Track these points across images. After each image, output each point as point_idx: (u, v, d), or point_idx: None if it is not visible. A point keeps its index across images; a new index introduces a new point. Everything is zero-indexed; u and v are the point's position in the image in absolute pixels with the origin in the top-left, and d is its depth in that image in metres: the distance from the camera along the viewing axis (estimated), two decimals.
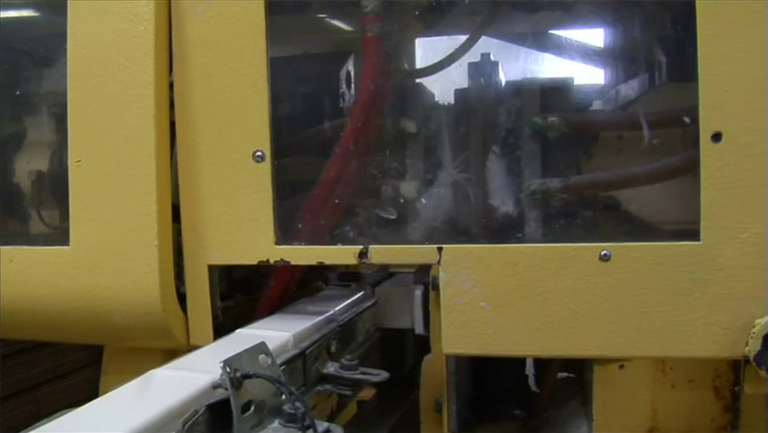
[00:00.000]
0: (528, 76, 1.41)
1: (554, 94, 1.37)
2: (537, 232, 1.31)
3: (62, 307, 1.35)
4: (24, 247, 1.38)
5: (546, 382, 1.51)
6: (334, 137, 1.36)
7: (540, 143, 1.33)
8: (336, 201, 1.35)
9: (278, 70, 1.31)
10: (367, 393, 1.69)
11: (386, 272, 1.64)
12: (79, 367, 2.27)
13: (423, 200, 1.37)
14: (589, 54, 1.45)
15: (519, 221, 1.32)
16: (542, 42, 1.44)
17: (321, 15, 1.53)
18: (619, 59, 1.43)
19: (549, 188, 1.30)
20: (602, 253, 1.18)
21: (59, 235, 1.36)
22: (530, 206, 1.32)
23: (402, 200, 1.37)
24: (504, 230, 1.34)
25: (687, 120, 1.21)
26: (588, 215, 1.31)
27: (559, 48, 1.45)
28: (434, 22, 1.47)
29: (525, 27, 1.43)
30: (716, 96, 1.14)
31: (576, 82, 1.41)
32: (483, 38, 1.43)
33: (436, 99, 1.46)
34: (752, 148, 1.13)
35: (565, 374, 1.58)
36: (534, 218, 1.31)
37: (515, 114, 1.36)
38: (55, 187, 1.44)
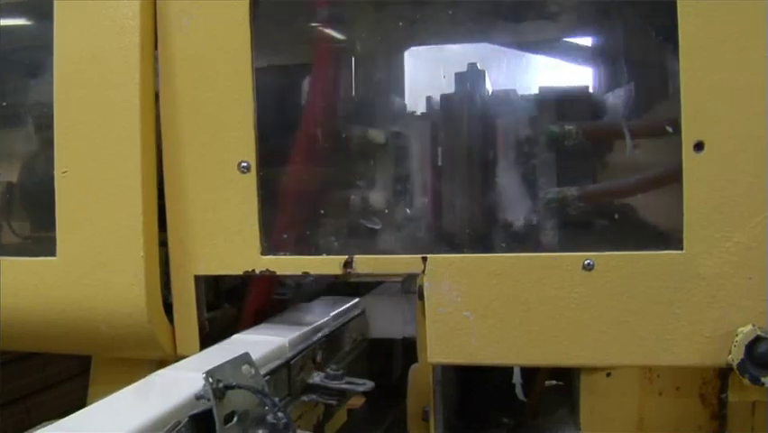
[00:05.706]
0: (511, 85, 1.42)
1: (538, 104, 1.38)
2: (520, 241, 1.31)
3: (49, 317, 1.35)
4: (11, 258, 1.38)
5: (534, 390, 1.51)
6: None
7: (545, 153, 1.34)
8: (310, 211, 1.36)
9: (263, 81, 1.31)
10: (357, 401, 1.69)
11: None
12: (70, 376, 2.25)
13: (407, 210, 1.38)
14: (578, 62, 1.46)
15: (502, 231, 1.33)
16: (528, 50, 1.45)
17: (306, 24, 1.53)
18: (608, 67, 1.44)
19: (548, 198, 1.31)
20: (585, 263, 1.18)
21: (46, 246, 1.36)
22: (515, 215, 1.32)
23: (375, 210, 1.37)
24: (487, 240, 1.34)
25: (669, 129, 1.22)
26: (571, 224, 1.31)
27: (543, 55, 1.46)
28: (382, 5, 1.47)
29: (511, 36, 1.44)
30: (697, 106, 1.15)
31: (565, 92, 1.41)
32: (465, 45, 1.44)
33: (410, 108, 1.47)
34: (733, 157, 1.14)
35: (554, 382, 1.59)
36: (519, 228, 1.31)
37: (498, 123, 1.36)
38: (42, 197, 1.44)
